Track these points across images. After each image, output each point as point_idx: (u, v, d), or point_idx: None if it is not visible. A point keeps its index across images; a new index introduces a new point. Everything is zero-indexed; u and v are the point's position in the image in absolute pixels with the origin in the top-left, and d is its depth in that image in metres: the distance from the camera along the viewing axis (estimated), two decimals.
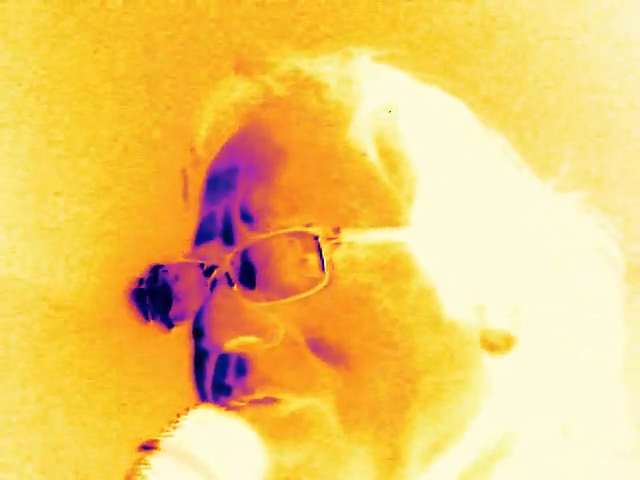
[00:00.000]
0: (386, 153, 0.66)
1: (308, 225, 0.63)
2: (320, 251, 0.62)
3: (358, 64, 0.70)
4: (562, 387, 0.67)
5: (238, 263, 0.64)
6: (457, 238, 0.65)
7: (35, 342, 2.41)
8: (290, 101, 0.69)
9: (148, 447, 0.59)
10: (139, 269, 0.69)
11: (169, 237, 0.71)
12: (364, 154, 0.66)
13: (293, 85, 0.70)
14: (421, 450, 0.63)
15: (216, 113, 0.72)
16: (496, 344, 0.66)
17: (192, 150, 0.72)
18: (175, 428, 0.60)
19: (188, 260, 0.67)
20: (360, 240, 0.63)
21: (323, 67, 0.70)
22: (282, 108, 0.69)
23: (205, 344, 0.63)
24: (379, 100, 0.68)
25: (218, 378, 0.64)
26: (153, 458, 0.58)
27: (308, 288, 0.62)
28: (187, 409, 0.61)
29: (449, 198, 0.66)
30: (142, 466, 0.58)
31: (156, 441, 0.59)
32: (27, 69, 1.79)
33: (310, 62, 0.71)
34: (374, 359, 0.62)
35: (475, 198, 0.67)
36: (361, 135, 0.66)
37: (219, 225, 0.66)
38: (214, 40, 1.59)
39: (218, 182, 0.68)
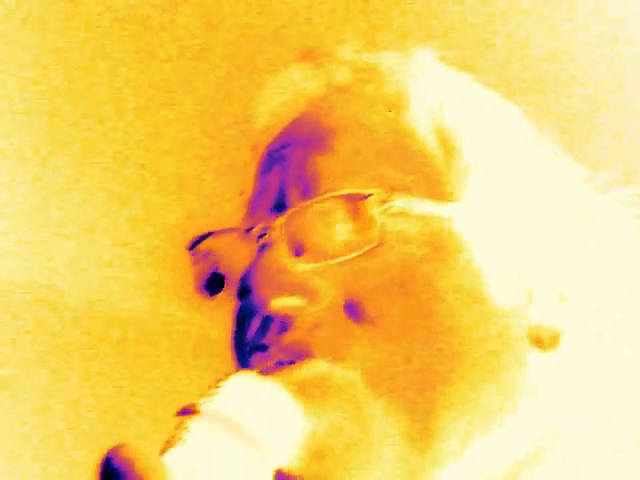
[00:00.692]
0: (441, 138, 0.67)
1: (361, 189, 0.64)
2: (370, 213, 0.63)
3: (419, 61, 0.72)
4: (606, 389, 0.67)
5: (288, 226, 0.65)
6: (506, 224, 0.66)
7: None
8: (350, 87, 0.71)
9: (187, 412, 0.60)
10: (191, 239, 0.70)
11: (223, 216, 0.72)
12: (420, 135, 0.67)
13: (355, 74, 0.71)
14: (451, 436, 0.62)
15: (277, 99, 0.74)
16: (543, 340, 0.66)
17: (251, 134, 0.74)
18: (214, 393, 0.60)
19: (239, 226, 0.68)
20: (411, 209, 0.64)
21: (385, 60, 0.72)
22: (342, 94, 0.71)
23: (251, 301, 0.64)
24: (436, 92, 0.70)
25: (258, 337, 0.65)
26: (193, 422, 0.59)
27: (356, 250, 0.63)
28: (226, 375, 0.62)
29: (499, 184, 0.67)
30: (182, 430, 0.59)
31: (196, 405, 0.60)
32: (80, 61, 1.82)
33: (373, 55, 0.72)
34: (414, 332, 0.62)
35: (524, 188, 0.68)
36: (418, 119, 0.68)
37: (272, 196, 0.68)
38: (280, 29, 1.60)
39: (273, 157, 0.70)
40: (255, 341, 0.65)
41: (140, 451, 0.55)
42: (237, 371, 0.64)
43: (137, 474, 0.54)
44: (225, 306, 0.70)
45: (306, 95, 0.73)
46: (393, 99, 0.69)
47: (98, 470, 0.55)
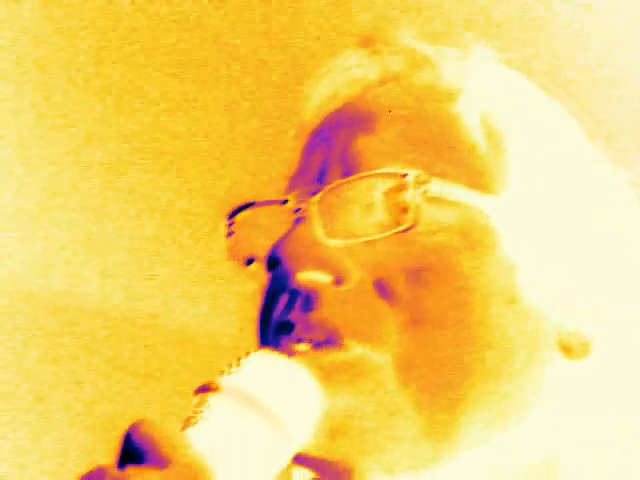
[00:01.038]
0: (488, 133, 0.67)
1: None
2: (407, 193, 0.63)
3: (477, 59, 0.71)
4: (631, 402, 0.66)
5: (324, 202, 0.65)
6: (543, 226, 0.66)
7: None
8: (404, 75, 0.71)
9: (207, 389, 0.59)
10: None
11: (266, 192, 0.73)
12: (467, 127, 0.67)
13: (410, 63, 0.72)
14: (470, 430, 0.62)
15: (331, 82, 0.74)
16: (572, 347, 0.65)
17: (301, 114, 0.75)
18: (235, 370, 0.60)
19: (277, 198, 0.68)
20: (449, 196, 0.64)
21: (441, 53, 0.72)
22: (394, 81, 0.71)
23: (279, 271, 0.63)
24: (489, 89, 0.69)
25: (284, 314, 0.64)
26: (213, 398, 0.58)
27: (390, 230, 0.63)
28: (247, 352, 0.61)
29: (541, 184, 0.67)
30: (202, 407, 0.58)
31: (215, 382, 0.59)
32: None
33: (430, 47, 0.72)
34: (444, 320, 0.62)
35: (566, 190, 0.67)
36: (467, 112, 0.68)
37: (313, 173, 0.68)
38: (339, 15, 1.60)
39: (320, 137, 0.70)
40: (281, 318, 0.64)
41: (162, 426, 0.55)
42: (258, 349, 0.63)
43: (160, 449, 0.54)
44: (254, 281, 0.70)
45: (360, 80, 0.73)
46: (444, 90, 0.69)
47: (119, 446, 0.55)
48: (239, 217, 0.70)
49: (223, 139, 2.01)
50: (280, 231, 0.66)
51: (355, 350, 0.62)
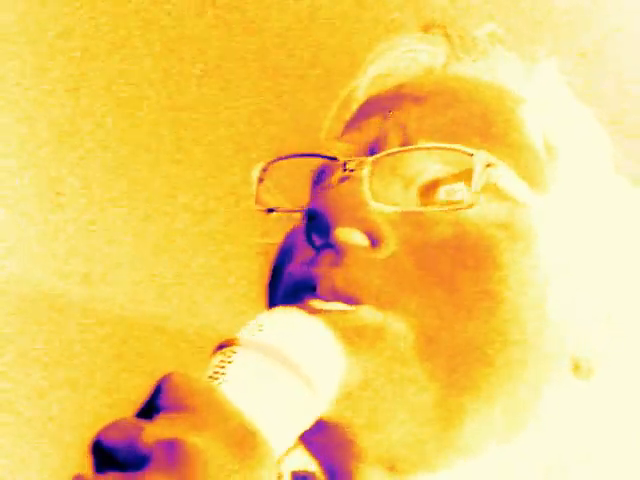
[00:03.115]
0: (545, 141, 0.68)
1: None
2: (472, 173, 0.63)
3: (541, 71, 0.72)
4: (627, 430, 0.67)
5: (379, 165, 0.64)
6: (578, 242, 0.66)
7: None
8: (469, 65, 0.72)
9: (227, 345, 0.56)
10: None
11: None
12: (530, 131, 0.67)
13: (475, 56, 0.72)
14: (477, 421, 0.61)
15: (389, 60, 0.74)
16: (580, 367, 0.66)
17: (353, 85, 0.74)
18: (254, 325, 0.57)
19: (328, 154, 0.67)
20: (506, 185, 0.64)
21: (508, 57, 0.72)
22: (459, 66, 0.71)
23: (317, 223, 0.62)
24: (548, 103, 0.70)
25: (307, 269, 0.62)
26: (235, 353, 0.55)
27: (446, 205, 0.63)
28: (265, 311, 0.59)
29: (581, 202, 0.67)
30: (224, 363, 0.55)
31: (235, 338, 0.56)
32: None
33: (499, 48, 0.73)
34: (476, 306, 0.61)
35: (602, 213, 0.68)
36: (530, 118, 0.68)
37: (369, 136, 0.67)
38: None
39: (378, 105, 0.70)
40: (304, 273, 0.63)
41: (192, 377, 0.53)
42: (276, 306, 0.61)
43: (194, 399, 0.51)
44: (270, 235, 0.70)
45: (421, 63, 0.73)
46: (509, 93, 0.70)
47: (150, 395, 0.52)
48: (275, 165, 0.69)
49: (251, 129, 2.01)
50: (321, 186, 0.66)
51: (376, 316, 0.61)
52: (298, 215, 0.68)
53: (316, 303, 0.61)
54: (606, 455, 0.66)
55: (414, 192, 0.64)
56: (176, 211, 2.19)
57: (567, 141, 0.69)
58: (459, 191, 0.63)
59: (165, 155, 2.07)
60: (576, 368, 0.66)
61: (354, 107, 0.73)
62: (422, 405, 0.60)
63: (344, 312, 0.60)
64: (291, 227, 0.69)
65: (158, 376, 0.54)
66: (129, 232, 2.26)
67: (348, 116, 0.73)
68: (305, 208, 0.65)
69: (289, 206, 0.69)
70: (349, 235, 0.62)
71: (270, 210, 0.68)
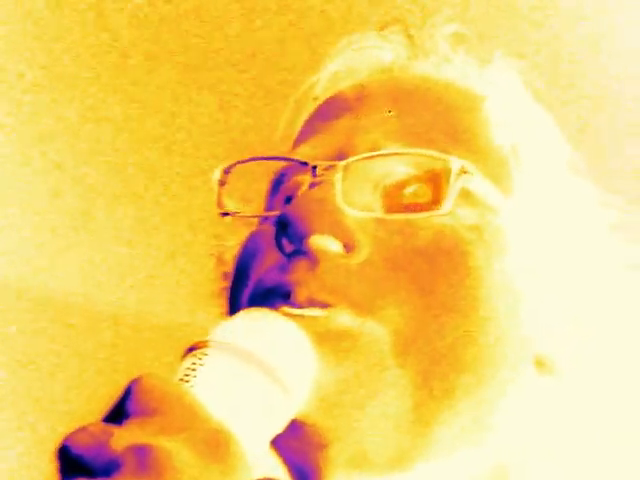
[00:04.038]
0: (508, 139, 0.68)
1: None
2: (449, 179, 0.62)
3: (499, 69, 0.72)
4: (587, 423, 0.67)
5: (350, 170, 0.63)
6: (541, 245, 0.66)
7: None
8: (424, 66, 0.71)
9: (197, 347, 0.55)
10: None
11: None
12: (494, 131, 0.67)
13: (435, 56, 0.71)
14: (450, 426, 0.61)
15: (348, 59, 0.73)
16: (544, 364, 0.66)
17: (309, 85, 0.73)
18: (224, 327, 0.56)
19: (297, 159, 0.66)
20: (479, 190, 0.64)
21: (465, 52, 0.72)
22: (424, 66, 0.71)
23: (290, 231, 0.61)
24: (508, 100, 0.70)
25: (279, 276, 0.61)
26: (205, 355, 0.54)
27: (419, 212, 0.62)
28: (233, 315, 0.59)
29: (540, 206, 0.67)
30: (195, 365, 0.54)
31: (204, 340, 0.55)
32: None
33: (455, 48, 0.72)
34: (451, 309, 0.61)
35: (563, 215, 0.68)
36: (493, 117, 0.68)
37: (338, 139, 0.66)
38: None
39: (342, 106, 0.69)
40: (276, 280, 0.62)
41: (162, 380, 0.51)
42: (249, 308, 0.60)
43: (164, 402, 0.50)
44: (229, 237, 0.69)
45: (381, 61, 0.72)
46: (470, 92, 0.70)
47: (120, 398, 0.51)
48: (238, 168, 0.68)
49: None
50: (287, 191, 0.65)
51: (352, 322, 0.60)
52: (255, 220, 0.68)
53: (290, 309, 0.60)
54: (570, 451, 0.67)
55: (380, 194, 0.64)
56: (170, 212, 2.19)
57: (528, 141, 0.69)
58: (423, 194, 0.63)
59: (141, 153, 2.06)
60: (540, 365, 0.66)
61: (312, 106, 0.72)
62: (398, 409, 0.60)
63: (320, 317, 0.60)
64: (250, 231, 0.68)
65: (132, 372, 0.52)
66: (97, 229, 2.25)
67: (306, 115, 0.72)
68: (264, 213, 0.65)
69: (249, 210, 0.68)
70: (324, 242, 0.61)
71: (225, 214, 0.67)
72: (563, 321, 0.66)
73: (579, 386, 0.67)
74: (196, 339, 0.55)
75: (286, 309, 0.60)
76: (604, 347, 0.67)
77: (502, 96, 0.70)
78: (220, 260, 0.72)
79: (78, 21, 1.79)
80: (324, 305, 0.60)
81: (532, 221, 0.66)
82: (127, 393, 0.50)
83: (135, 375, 0.51)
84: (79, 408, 2.24)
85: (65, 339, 2.41)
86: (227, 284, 0.70)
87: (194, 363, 0.54)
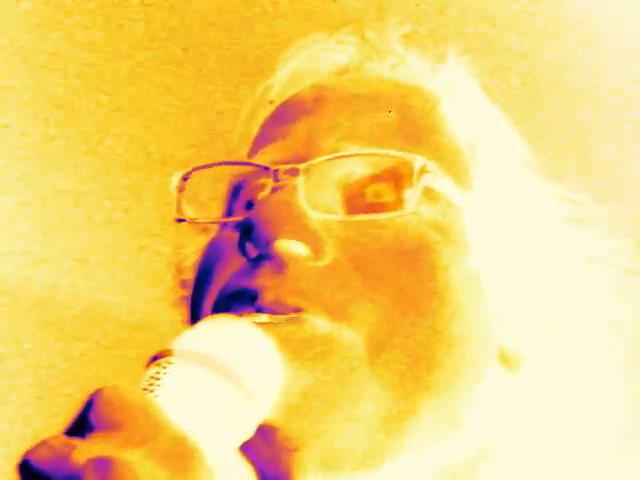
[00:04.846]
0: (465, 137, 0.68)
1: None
2: (412, 178, 0.62)
3: (451, 70, 0.73)
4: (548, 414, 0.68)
5: (312, 173, 0.63)
6: (502, 240, 0.67)
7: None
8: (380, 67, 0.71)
9: (161, 356, 0.54)
10: None
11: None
12: (452, 131, 0.68)
13: (390, 58, 0.72)
14: (421, 425, 0.61)
15: (302, 62, 0.73)
16: (509, 359, 0.66)
17: (264, 88, 0.73)
18: (189, 335, 0.55)
19: (259, 163, 0.65)
20: (442, 189, 0.64)
21: (418, 52, 0.72)
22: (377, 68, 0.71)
23: (255, 235, 0.60)
24: (463, 99, 0.70)
25: (244, 281, 0.61)
26: (169, 364, 0.53)
27: (383, 212, 0.62)
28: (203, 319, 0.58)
29: (503, 201, 0.68)
30: (159, 374, 0.53)
31: (168, 349, 0.54)
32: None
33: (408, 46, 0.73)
34: (421, 308, 0.61)
35: (522, 210, 0.69)
36: (450, 116, 0.68)
37: (298, 142, 0.66)
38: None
39: (300, 108, 0.68)
40: (241, 285, 0.61)
41: (125, 391, 0.50)
42: (213, 315, 0.60)
43: (126, 414, 0.49)
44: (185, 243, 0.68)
45: (336, 62, 0.72)
46: (425, 93, 0.70)
47: (81, 410, 0.50)
48: (196, 174, 0.67)
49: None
50: (244, 196, 0.65)
51: (325, 327, 0.60)
52: (215, 226, 0.67)
53: (256, 315, 0.59)
54: (534, 446, 0.67)
55: (342, 195, 0.64)
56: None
57: (483, 139, 0.69)
58: (386, 194, 0.63)
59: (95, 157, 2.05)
60: (504, 360, 0.66)
61: (268, 110, 0.72)
62: (370, 411, 0.59)
63: (290, 323, 0.59)
64: (209, 238, 0.68)
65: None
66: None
67: (262, 119, 0.72)
68: (224, 219, 0.65)
69: (208, 216, 0.68)
70: (289, 246, 0.60)
71: (181, 220, 0.67)
72: (525, 316, 0.67)
73: (541, 380, 0.67)
74: (160, 348, 0.55)
75: (250, 315, 0.59)
76: (564, 340, 0.68)
77: (457, 95, 0.71)
78: (179, 268, 0.72)
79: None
80: (296, 309, 0.59)
81: (492, 217, 0.66)
82: (89, 405, 0.50)
83: (96, 387, 0.51)
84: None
85: (54, 336, 2.41)
86: (186, 292, 0.70)
87: (158, 372, 0.53)
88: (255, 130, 0.72)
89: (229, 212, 0.68)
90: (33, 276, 2.37)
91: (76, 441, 0.48)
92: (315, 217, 0.62)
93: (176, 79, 1.88)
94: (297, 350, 0.58)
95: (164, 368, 0.53)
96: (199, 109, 1.89)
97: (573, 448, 0.68)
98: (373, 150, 0.64)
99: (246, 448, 0.57)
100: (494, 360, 0.66)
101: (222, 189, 0.68)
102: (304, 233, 0.61)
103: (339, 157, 0.63)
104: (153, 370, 0.54)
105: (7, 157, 2.06)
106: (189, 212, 0.67)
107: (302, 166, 0.63)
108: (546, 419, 0.67)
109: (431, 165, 0.64)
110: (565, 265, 0.69)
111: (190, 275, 0.70)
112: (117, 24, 1.80)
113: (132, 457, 0.47)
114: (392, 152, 0.63)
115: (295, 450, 0.58)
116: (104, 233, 2.27)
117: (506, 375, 0.66)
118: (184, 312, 0.69)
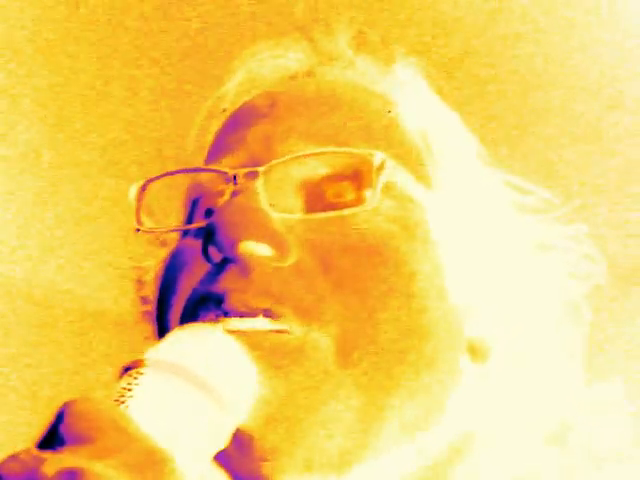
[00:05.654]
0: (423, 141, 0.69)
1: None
2: (372, 174, 0.63)
3: (403, 72, 0.73)
4: (518, 402, 0.68)
5: (271, 174, 0.63)
6: (464, 233, 0.67)
7: None
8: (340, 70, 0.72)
9: (133, 367, 0.53)
10: None
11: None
12: (408, 130, 0.68)
13: (339, 58, 0.72)
14: (394, 421, 0.61)
15: (253, 68, 0.73)
16: (477, 350, 0.67)
17: (215, 100, 0.73)
18: (160, 345, 0.55)
19: (217, 169, 0.65)
20: (402, 184, 0.64)
21: (368, 54, 0.73)
22: (332, 71, 0.72)
23: (218, 239, 0.60)
24: (420, 104, 0.71)
25: (210, 285, 0.61)
26: (141, 374, 0.53)
27: (343, 208, 0.62)
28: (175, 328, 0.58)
29: (464, 198, 0.69)
30: (130, 385, 0.52)
31: (140, 359, 0.54)
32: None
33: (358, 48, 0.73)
34: (387, 304, 0.61)
35: (483, 206, 0.69)
36: (405, 117, 0.69)
37: (253, 147, 0.66)
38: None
39: (255, 113, 0.69)
40: (204, 288, 0.61)
41: (96, 402, 0.50)
42: (184, 324, 0.59)
43: (96, 426, 0.49)
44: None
45: (286, 68, 0.73)
46: (379, 95, 0.71)
47: (52, 423, 0.49)
48: (155, 183, 0.67)
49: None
50: (205, 202, 0.65)
51: (296, 331, 0.60)
52: (174, 236, 0.67)
53: (223, 319, 0.59)
54: (501, 437, 0.68)
55: (302, 196, 0.64)
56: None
57: (437, 135, 0.70)
58: (347, 191, 0.64)
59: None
60: (473, 351, 0.67)
61: (221, 118, 0.72)
62: (345, 413, 0.59)
63: (261, 331, 0.59)
64: (168, 250, 0.68)
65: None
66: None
67: (216, 128, 0.72)
68: (184, 227, 0.64)
69: (167, 226, 0.68)
70: (253, 247, 0.60)
71: (142, 231, 0.66)
72: (488, 306, 0.67)
73: (507, 368, 0.68)
74: (131, 358, 0.54)
75: (217, 319, 0.59)
76: (525, 327, 0.69)
77: (408, 95, 0.71)
78: (139, 283, 0.72)
79: None
80: (265, 312, 0.59)
81: (452, 210, 0.67)
82: (59, 417, 0.49)
83: (66, 399, 0.50)
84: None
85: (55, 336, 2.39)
86: (147, 308, 0.69)
87: (129, 383, 0.53)
88: (209, 139, 0.72)
89: (189, 221, 0.68)
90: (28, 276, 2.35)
91: (46, 454, 0.48)
92: (277, 218, 0.62)
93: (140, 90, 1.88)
94: (270, 357, 0.58)
95: (135, 379, 0.53)
96: (155, 118, 1.89)
97: (541, 426, 0.69)
98: (332, 149, 0.64)
99: (221, 458, 0.57)
100: (463, 352, 0.66)
101: (180, 199, 0.68)
102: (267, 234, 0.61)
103: (299, 157, 0.63)
104: (125, 381, 0.53)
105: None
106: (148, 223, 0.67)
107: (261, 169, 0.63)
108: (515, 404, 0.68)
109: (390, 161, 0.64)
110: (521, 252, 0.70)
111: (150, 290, 0.70)
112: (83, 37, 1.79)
113: (102, 468, 0.47)
114: (351, 150, 0.64)
115: (272, 459, 0.58)
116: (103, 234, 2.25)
117: (475, 366, 0.67)
118: (148, 328, 0.69)
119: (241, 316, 0.59)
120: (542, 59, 1.70)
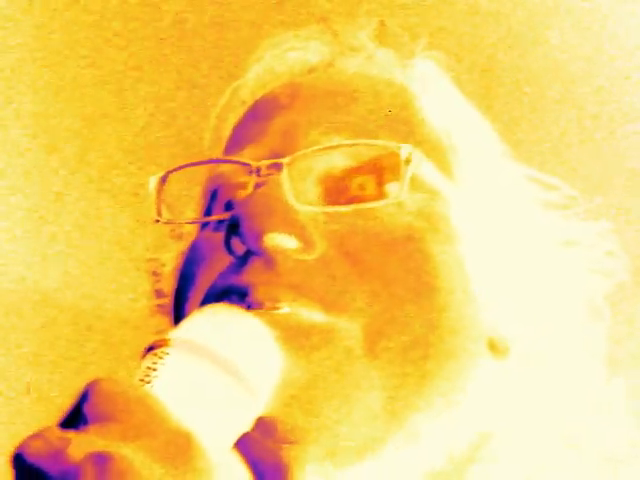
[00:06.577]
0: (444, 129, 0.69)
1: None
2: (400, 167, 0.62)
3: (423, 68, 0.73)
4: (538, 400, 0.68)
5: (296, 166, 0.62)
6: (486, 230, 0.67)
7: None
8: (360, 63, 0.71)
9: (157, 346, 0.52)
10: None
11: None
12: (430, 123, 0.68)
13: (360, 51, 0.72)
14: (420, 416, 0.61)
15: (273, 61, 0.73)
16: (497, 347, 0.66)
17: (232, 92, 0.73)
18: (186, 325, 0.54)
19: (241, 160, 0.65)
20: (429, 178, 0.64)
21: (389, 47, 0.72)
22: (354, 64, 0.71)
23: (243, 231, 0.59)
24: (440, 98, 0.71)
25: (233, 278, 0.60)
26: (166, 354, 0.52)
27: (372, 202, 0.62)
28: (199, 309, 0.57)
29: (484, 194, 0.68)
30: (155, 365, 0.51)
31: (165, 339, 0.52)
32: None
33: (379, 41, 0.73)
34: (414, 297, 0.61)
35: (505, 202, 0.69)
36: (428, 112, 0.68)
37: (276, 139, 0.65)
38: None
39: (275, 105, 0.68)
40: (230, 282, 0.60)
41: (121, 382, 0.49)
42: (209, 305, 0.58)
43: (122, 406, 0.48)
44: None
45: (307, 60, 0.72)
46: (402, 89, 0.70)
47: (76, 402, 0.48)
48: (174, 175, 0.66)
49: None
50: (225, 194, 0.64)
51: (325, 318, 0.59)
52: (190, 229, 0.67)
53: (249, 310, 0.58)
54: (520, 432, 0.67)
55: (325, 189, 0.63)
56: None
57: (460, 129, 0.69)
58: (371, 184, 0.63)
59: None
60: (493, 348, 0.66)
61: (240, 110, 0.72)
62: (370, 401, 0.59)
63: (287, 313, 0.59)
64: (188, 243, 0.67)
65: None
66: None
67: (234, 120, 0.72)
68: (205, 218, 0.64)
69: (188, 217, 0.68)
70: (279, 240, 0.60)
71: (163, 222, 0.66)
72: (508, 303, 0.67)
73: (528, 365, 0.67)
74: (156, 337, 0.53)
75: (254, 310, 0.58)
76: (546, 324, 0.68)
77: (430, 88, 0.71)
78: (156, 276, 0.72)
79: None
80: (287, 303, 0.59)
81: (476, 204, 0.67)
82: (84, 397, 0.48)
83: (92, 378, 0.49)
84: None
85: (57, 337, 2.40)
86: (162, 301, 0.69)
87: (155, 362, 0.52)
88: (227, 132, 0.71)
89: (207, 213, 0.68)
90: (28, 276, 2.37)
91: (71, 434, 0.46)
92: (302, 210, 0.61)
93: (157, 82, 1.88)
94: (295, 340, 0.58)
95: (160, 358, 0.52)
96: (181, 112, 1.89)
97: (562, 424, 0.68)
98: (360, 140, 0.63)
99: (240, 442, 0.56)
100: (484, 348, 0.66)
101: (199, 192, 0.68)
102: (292, 226, 0.60)
103: (326, 148, 0.63)
104: (149, 360, 0.52)
105: None
106: (168, 215, 0.66)
107: (285, 160, 0.62)
108: (536, 402, 0.68)
109: (418, 154, 0.63)
110: (544, 248, 0.69)
111: (167, 283, 0.70)
112: (96, 33, 1.80)
113: (130, 452, 0.46)
114: (379, 142, 0.63)
115: (296, 442, 0.57)
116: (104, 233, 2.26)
117: (495, 362, 0.66)
118: (161, 321, 0.69)
119: (265, 308, 0.58)
120: (567, 56, 1.70)
